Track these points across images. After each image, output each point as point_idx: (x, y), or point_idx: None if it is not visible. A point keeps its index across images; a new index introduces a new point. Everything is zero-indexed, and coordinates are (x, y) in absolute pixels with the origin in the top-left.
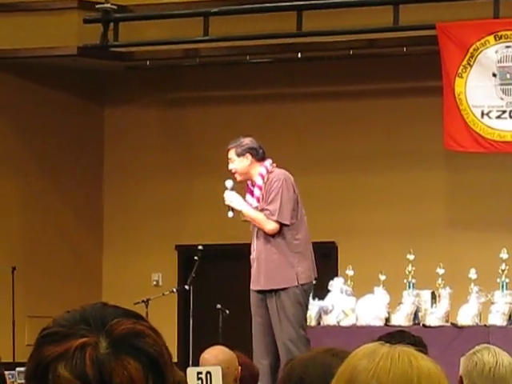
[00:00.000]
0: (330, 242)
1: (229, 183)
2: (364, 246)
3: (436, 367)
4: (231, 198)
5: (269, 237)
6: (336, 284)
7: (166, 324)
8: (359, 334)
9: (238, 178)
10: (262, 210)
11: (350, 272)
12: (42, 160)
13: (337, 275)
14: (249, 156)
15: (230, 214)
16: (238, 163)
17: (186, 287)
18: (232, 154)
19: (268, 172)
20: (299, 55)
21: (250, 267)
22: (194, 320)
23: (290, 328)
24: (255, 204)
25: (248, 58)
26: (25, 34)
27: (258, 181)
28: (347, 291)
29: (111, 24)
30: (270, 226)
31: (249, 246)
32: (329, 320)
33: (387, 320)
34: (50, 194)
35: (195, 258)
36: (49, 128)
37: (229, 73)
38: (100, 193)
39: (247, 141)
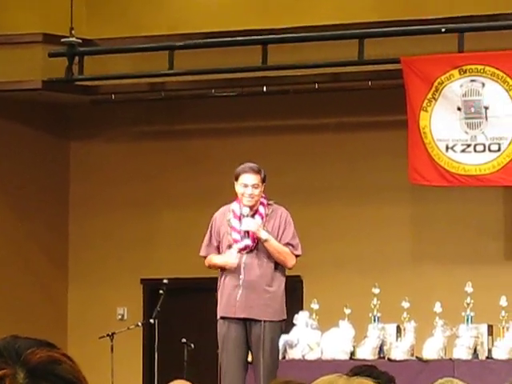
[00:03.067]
0: (295, 276)
1: (246, 210)
2: (329, 280)
3: None
4: (253, 226)
5: (268, 267)
6: (301, 318)
7: (131, 358)
8: (324, 367)
9: (251, 203)
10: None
11: (315, 306)
12: (6, 194)
13: (302, 309)
14: (264, 184)
15: (248, 241)
16: (260, 190)
17: (151, 321)
18: (259, 179)
19: (267, 204)
20: (264, 89)
21: (215, 300)
22: (159, 354)
23: (272, 361)
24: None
25: (213, 91)
26: None
27: (261, 209)
28: (312, 325)
29: (76, 58)
30: (294, 260)
31: (214, 279)
32: (294, 354)
33: (352, 354)
34: (14, 228)
35: (160, 291)
36: (14, 163)
37: (194, 106)
38: (65, 227)
39: None
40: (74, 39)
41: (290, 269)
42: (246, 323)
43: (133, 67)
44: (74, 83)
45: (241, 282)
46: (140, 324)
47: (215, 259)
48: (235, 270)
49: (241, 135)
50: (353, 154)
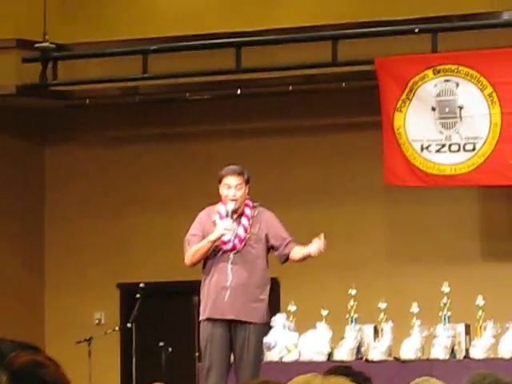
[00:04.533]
0: (272, 279)
1: (231, 205)
2: (306, 282)
3: None
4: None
5: (256, 269)
6: (279, 320)
7: (108, 362)
8: (302, 369)
9: (235, 206)
10: (286, 243)
11: (292, 308)
12: None
13: (279, 311)
14: (247, 185)
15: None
16: (243, 191)
17: (129, 325)
18: (241, 179)
19: (252, 206)
20: (238, 91)
21: (191, 304)
22: (137, 358)
23: (255, 364)
24: (243, 234)
25: (188, 95)
26: None
27: (247, 211)
28: (290, 327)
29: (50, 63)
30: None
31: (190, 283)
32: (272, 356)
33: (330, 355)
34: None
35: (137, 295)
36: None
37: (169, 110)
38: (41, 232)
39: None
40: (47, 44)
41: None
42: (232, 325)
43: (107, 71)
44: (48, 88)
45: (228, 283)
46: (117, 328)
47: (204, 241)
48: (222, 272)
49: (216, 138)
50: (328, 156)
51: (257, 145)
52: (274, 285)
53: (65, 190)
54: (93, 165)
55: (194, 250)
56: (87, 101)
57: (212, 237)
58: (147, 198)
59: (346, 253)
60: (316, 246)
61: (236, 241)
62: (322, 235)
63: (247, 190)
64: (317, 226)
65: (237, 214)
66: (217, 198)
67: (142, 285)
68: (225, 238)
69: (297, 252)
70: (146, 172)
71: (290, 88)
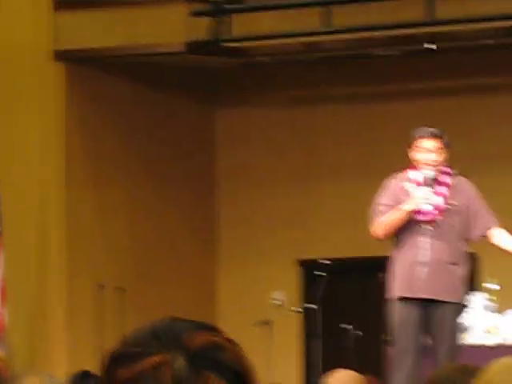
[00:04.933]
0: (470, 254)
1: (430, 173)
2: (507, 256)
3: None
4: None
5: (456, 244)
6: (478, 300)
7: (289, 347)
8: (505, 354)
9: (435, 173)
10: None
11: (493, 286)
12: (150, 167)
13: (479, 290)
14: (448, 152)
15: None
16: (443, 156)
17: (314, 306)
18: (441, 143)
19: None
20: (433, 46)
21: (378, 282)
22: (322, 343)
23: (452, 348)
24: (442, 204)
25: (373, 50)
26: (124, 30)
27: (447, 179)
28: (490, 308)
29: (223, 16)
30: None
31: (380, 259)
32: (471, 339)
33: None
34: (158, 203)
35: (321, 274)
36: (155, 134)
37: (352, 67)
38: (212, 203)
39: None
40: None
41: None
42: (427, 305)
43: (285, 26)
44: (220, 45)
45: (426, 258)
46: (300, 310)
47: (398, 210)
48: (418, 246)
49: (405, 98)
50: None
51: (453, 105)
52: (474, 260)
53: (238, 155)
54: (270, 128)
55: (385, 220)
56: (264, 58)
57: (408, 206)
58: (332, 165)
59: None
60: None
61: (435, 212)
62: None
63: (447, 156)
64: None
65: (434, 183)
66: (405, 166)
67: (326, 261)
68: (424, 208)
69: (505, 241)
70: (329, 135)
71: (492, 42)
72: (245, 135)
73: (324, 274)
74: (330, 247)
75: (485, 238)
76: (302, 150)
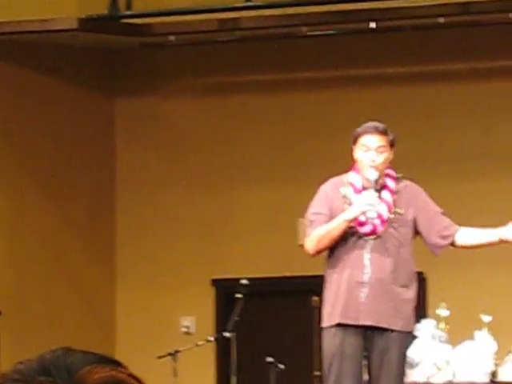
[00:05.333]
0: (417, 273)
1: (373, 174)
2: (462, 278)
3: None
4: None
5: (403, 260)
6: (425, 328)
7: (200, 382)
8: None
9: (378, 174)
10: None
11: (443, 312)
12: (35, 173)
13: (426, 316)
14: (392, 150)
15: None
16: (386, 156)
17: (227, 334)
18: (384, 140)
19: (396, 177)
20: (373, 25)
21: (309, 307)
22: (238, 377)
23: (398, 382)
24: (385, 213)
25: (304, 29)
26: (4, 3)
27: (390, 183)
28: (440, 337)
29: None
30: None
31: (313, 278)
32: (416, 376)
33: (494, 375)
34: (47, 213)
35: (238, 295)
36: (44, 124)
37: (280, 49)
38: (112, 212)
39: None
40: None
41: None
42: (368, 332)
43: (196, 0)
44: (119, 21)
45: (366, 278)
46: (212, 338)
47: (338, 219)
48: (357, 263)
49: (342, 86)
50: (489, 111)
51: (399, 94)
52: (420, 282)
53: (140, 152)
54: (176, 120)
55: (320, 232)
56: (170, 37)
57: (349, 214)
58: (250, 166)
59: None
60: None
61: (377, 222)
62: None
63: (391, 156)
64: (484, 199)
65: (377, 187)
66: (346, 168)
67: (244, 281)
68: (369, 216)
69: (473, 235)
70: (248, 130)
71: (442, 20)
72: (147, 128)
73: (242, 295)
74: (251, 264)
75: (450, 246)
76: (212, 148)
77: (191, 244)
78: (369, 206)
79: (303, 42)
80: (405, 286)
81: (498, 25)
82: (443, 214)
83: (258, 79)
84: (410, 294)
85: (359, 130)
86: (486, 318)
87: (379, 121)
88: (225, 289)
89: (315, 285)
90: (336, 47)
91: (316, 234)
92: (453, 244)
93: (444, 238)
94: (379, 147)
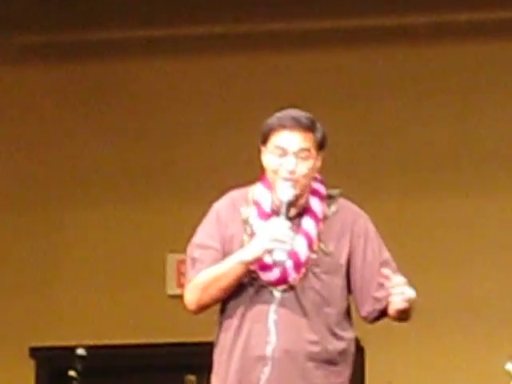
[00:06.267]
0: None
1: (289, 192)
2: (407, 348)
3: None
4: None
5: (324, 320)
6: None
7: None
8: None
9: (294, 193)
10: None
11: None
12: None
13: None
14: (322, 154)
15: (290, 264)
16: (311, 164)
17: None
18: (309, 139)
19: (327, 195)
20: None
21: None
22: None
23: None
24: (304, 252)
25: None
26: None
27: (315, 205)
28: None
29: None
30: None
31: (193, 347)
32: None
33: None
34: None
35: (71, 373)
36: None
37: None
38: None
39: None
40: None
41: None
42: None
43: None
44: None
45: (270, 350)
46: None
47: (230, 261)
48: (257, 326)
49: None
50: None
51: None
52: (356, 353)
53: None
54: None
55: (206, 278)
56: None
57: (248, 253)
58: (83, 176)
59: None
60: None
61: (289, 265)
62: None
63: (319, 164)
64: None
65: (296, 210)
66: (250, 176)
67: (80, 351)
68: (276, 258)
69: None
70: (82, 122)
71: None
72: None
73: (77, 372)
74: (90, 326)
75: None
76: (30, 147)
77: (8, 300)
78: (277, 243)
79: None
80: (331, 363)
81: None
82: (388, 257)
83: (95, 39)
84: (341, 373)
85: (271, 121)
86: None
87: (304, 103)
88: (50, 362)
89: (193, 357)
90: None
91: (200, 280)
92: (382, 316)
93: (374, 310)
94: (301, 151)
